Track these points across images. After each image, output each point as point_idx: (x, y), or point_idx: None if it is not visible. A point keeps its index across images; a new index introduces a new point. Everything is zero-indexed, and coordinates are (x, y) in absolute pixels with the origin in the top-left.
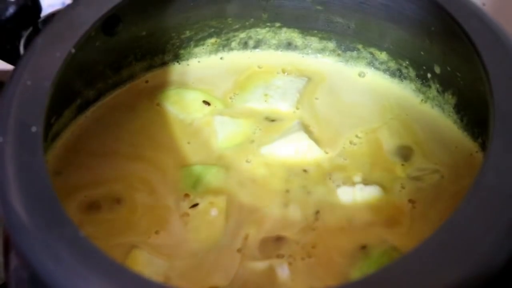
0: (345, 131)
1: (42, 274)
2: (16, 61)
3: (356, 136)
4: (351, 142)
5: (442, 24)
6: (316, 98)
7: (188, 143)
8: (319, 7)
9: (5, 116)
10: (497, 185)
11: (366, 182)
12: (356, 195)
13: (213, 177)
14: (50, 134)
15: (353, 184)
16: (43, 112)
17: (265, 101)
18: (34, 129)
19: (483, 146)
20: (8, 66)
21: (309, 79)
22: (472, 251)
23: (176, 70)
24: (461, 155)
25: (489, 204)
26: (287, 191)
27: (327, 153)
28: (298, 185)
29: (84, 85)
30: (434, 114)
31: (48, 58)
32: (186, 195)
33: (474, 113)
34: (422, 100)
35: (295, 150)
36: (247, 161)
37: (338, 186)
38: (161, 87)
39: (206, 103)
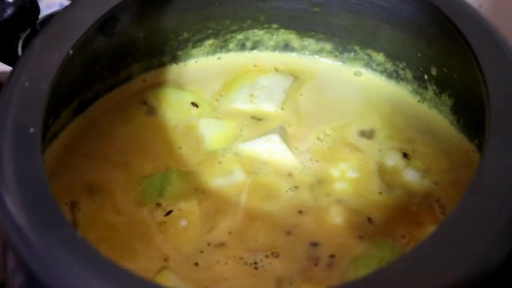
0: (322, 128)
1: (39, 275)
2: (14, 62)
3: (324, 133)
4: (318, 138)
5: (438, 26)
6: (301, 94)
7: (180, 148)
8: (316, 9)
9: (3, 117)
10: (494, 186)
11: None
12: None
13: (175, 183)
14: (47, 135)
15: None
16: (41, 113)
17: (251, 101)
18: (32, 130)
19: (480, 147)
20: (6, 68)
21: (296, 78)
22: (469, 251)
23: (173, 70)
24: (457, 155)
25: (485, 205)
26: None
27: (296, 148)
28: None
29: (81, 87)
30: (431, 115)
31: (46, 60)
32: (158, 204)
33: (470, 115)
34: (419, 101)
35: (268, 151)
36: (219, 162)
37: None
38: (157, 87)
39: (194, 104)
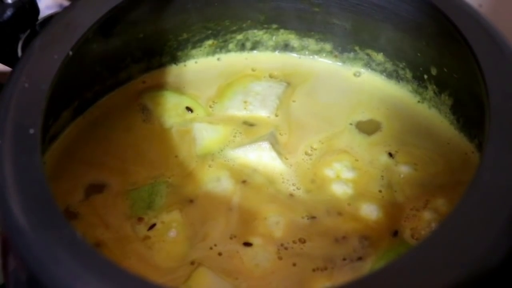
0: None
1: (40, 276)
2: (14, 63)
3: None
4: (307, 152)
5: (438, 25)
6: (294, 101)
7: (176, 156)
8: (315, 9)
9: (3, 118)
10: (493, 185)
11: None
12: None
13: (164, 193)
14: (47, 136)
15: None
16: (40, 114)
17: (245, 108)
18: (31, 131)
19: (479, 147)
20: (6, 68)
21: (290, 84)
22: (469, 250)
23: (173, 71)
24: (456, 155)
25: (485, 204)
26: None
27: (287, 158)
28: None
29: (81, 87)
30: (431, 115)
31: (46, 61)
32: (140, 219)
33: (470, 114)
34: (418, 101)
35: (258, 158)
36: (209, 166)
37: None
38: (156, 90)
39: (189, 109)
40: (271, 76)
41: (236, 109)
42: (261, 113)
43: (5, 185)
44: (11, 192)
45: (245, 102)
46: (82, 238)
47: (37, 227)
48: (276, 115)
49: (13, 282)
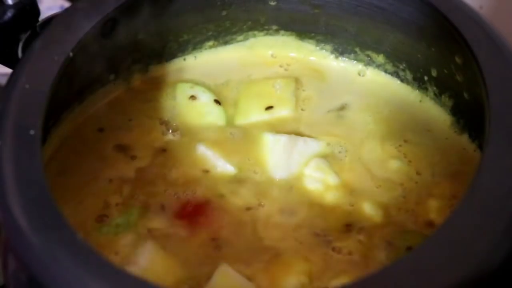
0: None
1: (40, 277)
2: (14, 64)
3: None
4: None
5: (438, 27)
6: (303, 101)
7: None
8: (316, 11)
9: (4, 119)
10: (494, 186)
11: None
12: None
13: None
14: (48, 137)
15: None
16: (41, 115)
17: (267, 111)
18: (32, 132)
19: (480, 148)
20: (6, 70)
21: (298, 80)
22: (469, 251)
23: (173, 73)
24: (455, 153)
25: (485, 205)
26: None
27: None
28: None
29: (82, 88)
30: (431, 116)
31: (46, 62)
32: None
33: (470, 116)
34: (420, 101)
35: None
36: None
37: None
38: (157, 88)
39: (217, 102)
40: (277, 75)
41: (257, 115)
42: (283, 112)
43: (5, 186)
44: (11, 193)
45: (265, 106)
46: (82, 239)
47: (37, 228)
48: (297, 111)
49: (13, 283)
